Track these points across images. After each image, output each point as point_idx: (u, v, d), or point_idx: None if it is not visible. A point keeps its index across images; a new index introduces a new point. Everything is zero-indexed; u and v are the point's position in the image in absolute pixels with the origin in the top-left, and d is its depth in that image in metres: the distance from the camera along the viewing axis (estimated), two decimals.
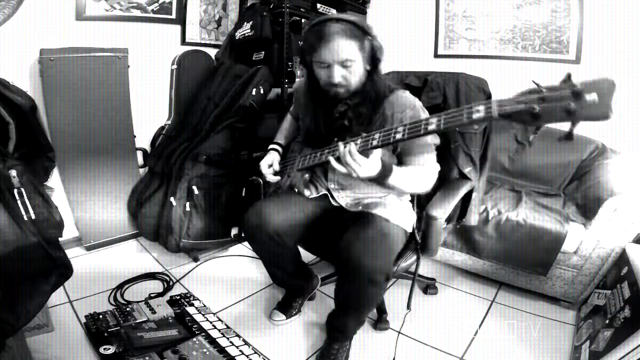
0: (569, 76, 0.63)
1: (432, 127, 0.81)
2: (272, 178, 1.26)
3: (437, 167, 1.10)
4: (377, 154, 0.90)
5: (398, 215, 1.10)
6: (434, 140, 1.09)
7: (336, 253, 1.02)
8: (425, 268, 1.77)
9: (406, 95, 1.10)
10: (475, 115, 0.72)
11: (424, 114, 1.06)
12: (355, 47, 0.97)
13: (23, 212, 0.87)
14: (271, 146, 1.34)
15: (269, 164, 1.27)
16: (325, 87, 1.05)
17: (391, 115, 1.05)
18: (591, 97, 0.58)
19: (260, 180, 1.38)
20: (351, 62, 0.98)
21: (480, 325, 1.39)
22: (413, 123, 0.85)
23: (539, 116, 0.63)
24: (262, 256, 1.25)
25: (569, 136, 0.64)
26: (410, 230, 1.14)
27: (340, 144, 0.92)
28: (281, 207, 1.15)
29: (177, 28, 2.04)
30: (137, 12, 1.85)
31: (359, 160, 0.88)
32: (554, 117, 0.62)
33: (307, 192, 1.23)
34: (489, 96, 1.28)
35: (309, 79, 1.13)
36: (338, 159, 0.93)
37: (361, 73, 1.03)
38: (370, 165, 0.89)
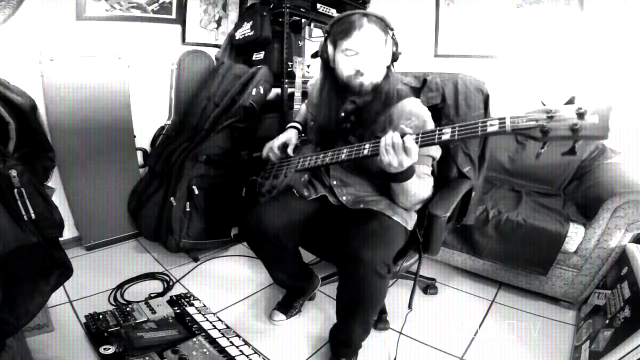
0: (572, 98, 0.70)
1: (446, 136, 0.83)
2: (274, 155, 1.28)
3: (432, 180, 1.11)
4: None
5: (399, 212, 1.10)
6: (435, 152, 1.10)
7: (337, 251, 1.02)
8: (425, 268, 1.77)
9: (417, 104, 1.10)
10: (489, 129, 0.76)
11: (431, 125, 1.07)
12: (382, 39, 1.00)
13: (23, 212, 0.86)
14: (291, 124, 1.34)
15: (284, 142, 1.28)
16: (349, 79, 1.03)
17: (397, 120, 1.06)
18: (593, 118, 0.65)
19: (260, 180, 1.38)
20: (378, 52, 1.00)
21: (480, 325, 1.39)
22: (426, 132, 0.87)
23: (547, 133, 0.69)
24: (263, 259, 1.25)
25: (572, 151, 0.70)
26: (410, 228, 1.14)
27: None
28: (280, 211, 1.15)
29: (177, 28, 2.04)
30: (137, 12, 1.85)
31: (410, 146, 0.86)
32: (561, 134, 0.68)
33: (306, 193, 1.22)
34: (486, 97, 1.29)
35: (325, 77, 1.13)
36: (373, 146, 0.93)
37: (383, 67, 1.05)
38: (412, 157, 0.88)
